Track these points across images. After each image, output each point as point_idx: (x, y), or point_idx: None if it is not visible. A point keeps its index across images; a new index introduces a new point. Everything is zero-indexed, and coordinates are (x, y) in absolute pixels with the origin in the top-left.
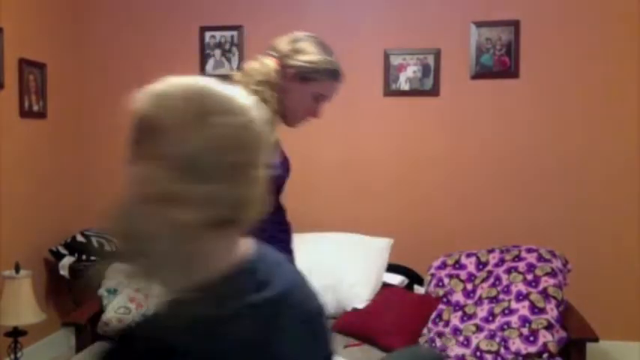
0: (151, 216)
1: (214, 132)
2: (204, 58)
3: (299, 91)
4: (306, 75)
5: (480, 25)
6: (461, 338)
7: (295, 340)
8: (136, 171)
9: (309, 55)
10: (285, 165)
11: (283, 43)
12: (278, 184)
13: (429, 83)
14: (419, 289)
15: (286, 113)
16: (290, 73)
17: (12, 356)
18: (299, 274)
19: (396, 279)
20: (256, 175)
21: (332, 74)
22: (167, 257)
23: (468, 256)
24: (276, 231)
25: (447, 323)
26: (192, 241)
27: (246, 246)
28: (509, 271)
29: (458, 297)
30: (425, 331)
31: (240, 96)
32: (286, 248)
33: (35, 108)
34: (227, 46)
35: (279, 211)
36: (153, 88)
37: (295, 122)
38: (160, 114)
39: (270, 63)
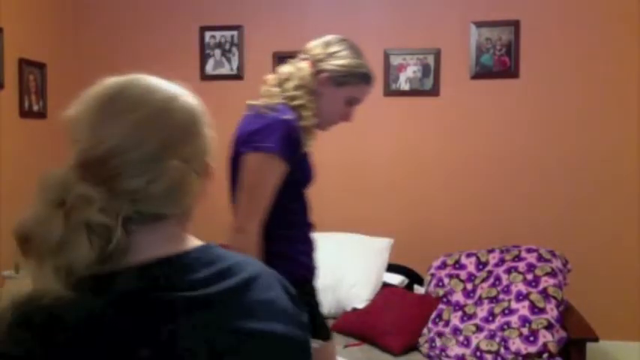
0: (55, 220)
1: (121, 130)
2: (204, 58)
3: (332, 96)
4: (340, 79)
5: (479, 25)
6: (461, 338)
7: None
8: (50, 173)
9: (343, 59)
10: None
11: (316, 47)
12: (299, 187)
13: (429, 83)
14: (419, 289)
15: (318, 117)
16: (324, 77)
17: None
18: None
19: (396, 279)
20: (175, 168)
21: (365, 78)
22: (80, 254)
23: (468, 256)
24: (289, 233)
25: (447, 323)
26: (111, 240)
27: (182, 244)
28: (509, 271)
29: (458, 297)
30: (425, 331)
31: (160, 90)
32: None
33: (35, 108)
34: (227, 46)
35: (299, 210)
36: (84, 92)
37: (327, 126)
38: (73, 116)
39: (305, 67)
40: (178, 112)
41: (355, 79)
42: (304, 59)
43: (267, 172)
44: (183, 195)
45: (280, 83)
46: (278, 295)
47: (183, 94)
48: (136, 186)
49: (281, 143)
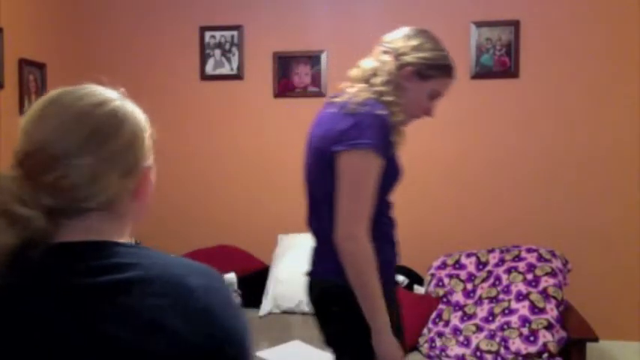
0: None
1: (45, 130)
2: (204, 58)
3: (416, 89)
4: (425, 72)
5: (479, 25)
6: (461, 338)
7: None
8: None
9: (428, 51)
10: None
11: (398, 40)
12: (386, 184)
13: None
14: (419, 289)
15: (404, 113)
16: (407, 70)
17: None
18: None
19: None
20: (87, 165)
21: (449, 70)
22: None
23: (468, 256)
24: (382, 224)
25: (447, 323)
26: (31, 230)
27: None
28: (509, 271)
29: (458, 297)
30: (425, 331)
31: (92, 96)
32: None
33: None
34: (227, 46)
35: (385, 208)
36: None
37: (409, 121)
38: (20, 123)
39: (390, 61)
40: (103, 116)
41: (440, 72)
42: (386, 52)
43: (367, 169)
44: (99, 191)
45: (367, 78)
46: (162, 306)
47: (115, 100)
48: (51, 179)
49: (377, 138)
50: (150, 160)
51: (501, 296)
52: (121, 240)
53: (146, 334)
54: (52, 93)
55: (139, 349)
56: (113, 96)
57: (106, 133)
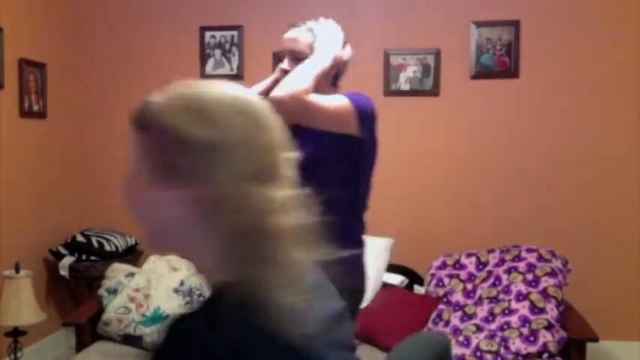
0: (266, 247)
1: (275, 134)
2: (204, 58)
3: None
4: None
5: (479, 25)
6: (461, 338)
7: None
8: (231, 192)
9: None
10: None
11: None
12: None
13: (429, 83)
14: (419, 289)
15: None
16: None
17: (12, 356)
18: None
19: (396, 279)
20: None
21: None
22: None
23: (468, 256)
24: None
25: (447, 323)
26: (316, 234)
27: None
28: (509, 271)
29: (458, 297)
30: (425, 331)
31: (246, 92)
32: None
33: (35, 108)
34: (227, 46)
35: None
36: (175, 101)
37: None
38: (218, 131)
39: None
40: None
41: None
42: None
43: None
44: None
45: None
46: None
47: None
48: (298, 180)
49: None
50: None
51: (501, 296)
52: None
53: None
54: (227, 93)
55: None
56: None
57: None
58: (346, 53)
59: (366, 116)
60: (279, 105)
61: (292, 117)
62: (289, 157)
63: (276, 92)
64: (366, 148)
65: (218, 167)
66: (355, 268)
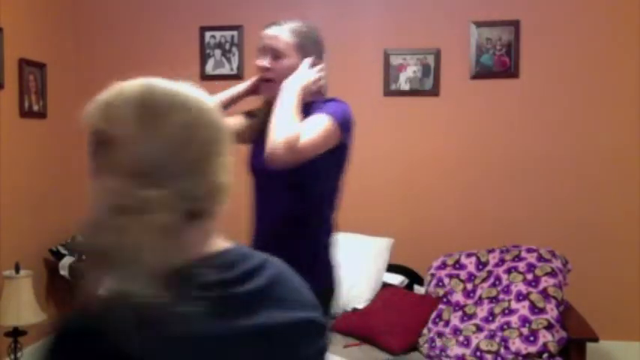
0: (128, 227)
1: (165, 132)
2: (204, 58)
3: None
4: None
5: (479, 25)
6: (461, 338)
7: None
8: (102, 184)
9: None
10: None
11: None
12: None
13: (429, 83)
14: (419, 289)
15: None
16: None
17: (12, 356)
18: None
19: (396, 279)
20: (221, 163)
21: None
22: (149, 261)
23: (468, 256)
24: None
25: (447, 323)
26: (172, 238)
27: (222, 242)
28: (509, 271)
29: (458, 297)
30: (425, 331)
31: (186, 90)
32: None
33: (35, 108)
34: (227, 46)
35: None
36: (100, 99)
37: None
38: (109, 125)
39: None
40: (213, 109)
41: None
42: None
43: None
44: (225, 189)
45: None
46: (301, 285)
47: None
48: (190, 183)
49: None
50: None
51: (501, 296)
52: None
53: (307, 309)
54: (130, 89)
55: (312, 320)
56: (194, 88)
57: (223, 127)
58: (311, 77)
59: (346, 127)
60: (279, 160)
61: (292, 164)
62: (193, 156)
63: (272, 149)
64: (344, 153)
65: (104, 159)
66: (320, 268)
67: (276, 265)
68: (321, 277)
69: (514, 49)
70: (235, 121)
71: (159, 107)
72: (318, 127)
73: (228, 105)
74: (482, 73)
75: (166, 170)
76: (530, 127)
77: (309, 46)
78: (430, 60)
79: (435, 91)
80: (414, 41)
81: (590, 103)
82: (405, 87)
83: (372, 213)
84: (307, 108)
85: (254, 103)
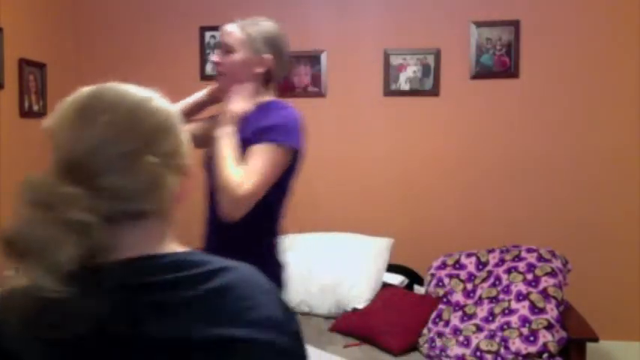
0: (40, 221)
1: (98, 131)
2: (204, 58)
3: None
4: None
5: (480, 25)
6: (461, 338)
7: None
8: (28, 178)
9: None
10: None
11: None
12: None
13: (429, 83)
14: (419, 289)
15: None
16: None
17: None
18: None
19: (396, 279)
20: (152, 164)
21: None
22: (65, 253)
23: (468, 256)
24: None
25: (447, 323)
26: (87, 236)
27: (163, 245)
28: (509, 271)
29: (458, 297)
30: (425, 331)
31: (133, 92)
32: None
33: (35, 108)
34: None
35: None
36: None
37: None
38: (52, 125)
39: None
40: (154, 111)
41: None
42: None
43: None
44: (161, 191)
45: None
46: (260, 303)
47: (157, 96)
48: (115, 183)
49: None
50: (188, 158)
51: (501, 296)
52: (173, 244)
53: (255, 328)
54: (83, 92)
55: (262, 342)
56: (151, 92)
57: (163, 129)
58: (238, 108)
59: (297, 144)
60: (234, 218)
61: (247, 211)
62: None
63: (222, 211)
64: (295, 163)
65: (50, 156)
66: (267, 269)
67: (234, 276)
68: (269, 278)
69: (514, 49)
70: (195, 126)
71: (93, 109)
72: (263, 166)
73: (191, 113)
74: (482, 73)
75: (89, 169)
76: (530, 127)
77: (259, 42)
78: (430, 60)
79: (435, 91)
80: (414, 41)
81: (590, 103)
82: (405, 87)
83: (372, 213)
84: (259, 113)
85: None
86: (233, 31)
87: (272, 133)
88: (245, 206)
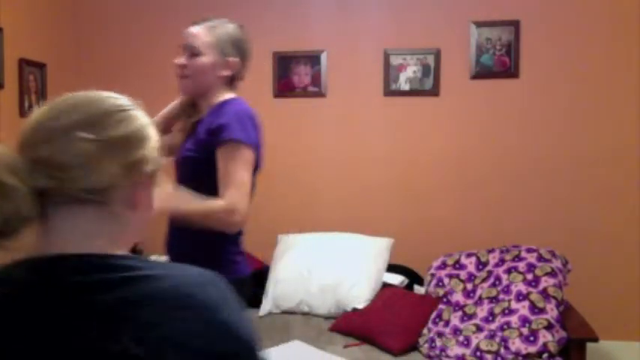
0: None
1: (47, 110)
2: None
3: None
4: None
5: (480, 25)
6: (461, 338)
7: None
8: None
9: None
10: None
11: None
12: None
13: (429, 83)
14: (419, 289)
15: None
16: None
17: None
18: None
19: (396, 279)
20: (84, 141)
21: None
22: None
23: (468, 256)
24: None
25: (447, 323)
26: (15, 204)
27: (100, 244)
28: (509, 271)
29: (458, 297)
30: (425, 331)
31: (100, 93)
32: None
33: (35, 108)
34: None
35: None
36: None
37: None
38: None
39: None
40: (113, 105)
41: None
42: None
43: None
44: (95, 175)
45: None
46: (171, 319)
47: (132, 105)
48: (50, 155)
49: None
50: (153, 170)
51: (501, 296)
52: (119, 251)
53: (167, 347)
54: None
55: None
56: (124, 100)
57: (112, 118)
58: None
59: (257, 140)
60: (244, 221)
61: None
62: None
63: (234, 225)
64: (258, 156)
65: None
66: (228, 258)
67: (156, 286)
68: (230, 268)
69: (514, 49)
70: (170, 138)
71: (61, 100)
72: (239, 175)
73: (165, 125)
74: (482, 73)
75: (31, 140)
76: (530, 127)
77: (227, 44)
78: (430, 60)
79: (435, 91)
80: (414, 41)
81: (590, 104)
82: (405, 87)
83: (372, 213)
84: (212, 113)
85: None
86: (199, 33)
87: (227, 130)
88: (245, 219)
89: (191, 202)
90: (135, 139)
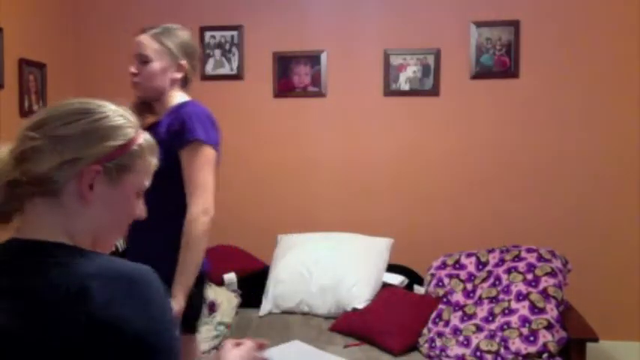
0: None
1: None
2: (204, 58)
3: None
4: None
5: (480, 25)
6: (461, 338)
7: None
8: None
9: None
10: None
11: None
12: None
13: (429, 83)
14: (419, 289)
15: None
16: None
17: None
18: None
19: (396, 279)
20: (28, 138)
21: None
22: None
23: (468, 256)
24: None
25: (447, 323)
26: None
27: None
28: (509, 271)
29: (458, 297)
30: (425, 331)
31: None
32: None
33: (35, 108)
34: (227, 46)
35: None
36: None
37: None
38: None
39: None
40: (70, 108)
41: None
42: None
43: None
44: (29, 164)
45: None
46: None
47: (103, 106)
48: (18, 151)
49: None
50: (110, 169)
51: (501, 296)
52: (71, 243)
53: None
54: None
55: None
56: (109, 106)
57: (63, 119)
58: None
59: (216, 140)
60: (210, 220)
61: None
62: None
63: (206, 225)
64: (217, 155)
65: None
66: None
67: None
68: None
69: (514, 49)
70: None
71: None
72: (203, 179)
73: None
74: (482, 73)
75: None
76: (530, 127)
77: (174, 49)
78: (430, 60)
79: (435, 91)
80: (414, 41)
81: (590, 103)
82: (405, 87)
83: (372, 213)
84: (170, 115)
85: None
86: (147, 41)
87: (189, 131)
88: (211, 219)
89: (183, 265)
90: (85, 136)
